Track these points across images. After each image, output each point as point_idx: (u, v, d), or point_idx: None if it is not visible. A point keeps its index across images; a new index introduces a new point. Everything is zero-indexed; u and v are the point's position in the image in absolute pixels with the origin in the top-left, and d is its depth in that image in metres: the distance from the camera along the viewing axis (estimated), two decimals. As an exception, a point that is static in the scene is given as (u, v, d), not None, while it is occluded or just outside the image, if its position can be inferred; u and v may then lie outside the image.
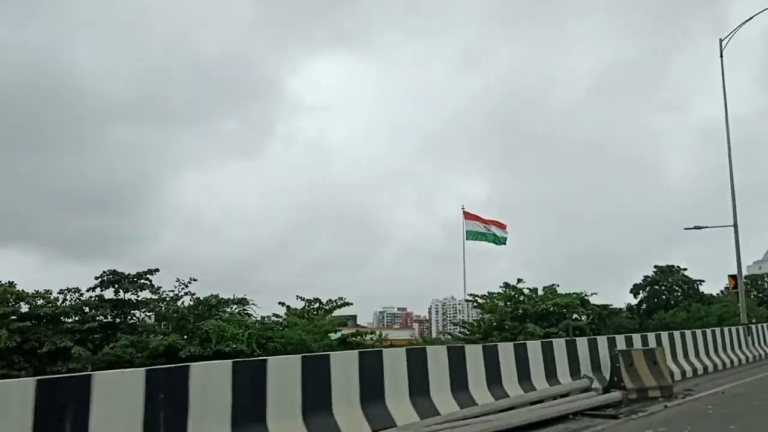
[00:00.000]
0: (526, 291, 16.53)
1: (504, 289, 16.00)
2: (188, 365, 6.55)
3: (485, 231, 28.32)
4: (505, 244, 29.39)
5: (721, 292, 48.16)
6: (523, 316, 15.70)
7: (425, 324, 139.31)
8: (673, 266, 49.20)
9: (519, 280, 16.39)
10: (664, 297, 45.25)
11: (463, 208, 28.27)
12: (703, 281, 48.14)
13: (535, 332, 14.08)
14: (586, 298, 17.08)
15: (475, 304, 15.38)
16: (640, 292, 47.97)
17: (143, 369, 6.18)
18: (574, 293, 16.78)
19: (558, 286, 17.08)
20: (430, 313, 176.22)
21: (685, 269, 49.18)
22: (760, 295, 54.28)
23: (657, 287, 46.92)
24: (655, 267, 49.80)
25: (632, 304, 49.66)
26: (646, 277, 48.77)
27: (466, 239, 27.22)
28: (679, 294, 46.69)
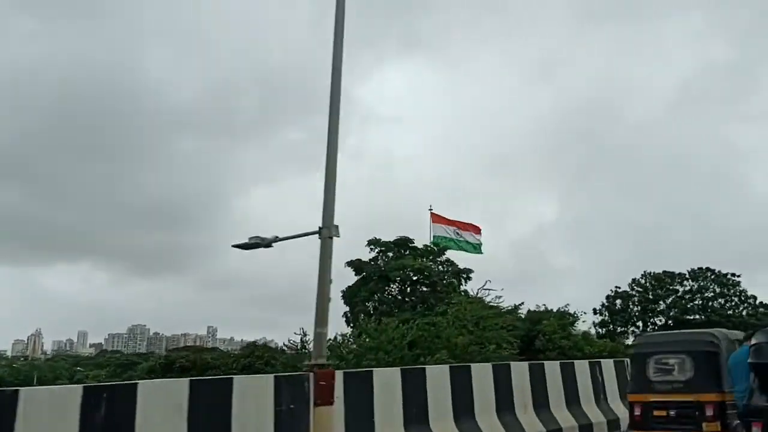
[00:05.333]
0: None
1: None
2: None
3: (454, 237, 23.90)
4: (480, 252, 24.24)
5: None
6: None
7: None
8: (408, 239, 24.60)
9: None
10: (368, 304, 23.45)
11: (430, 209, 24.08)
12: (472, 272, 24.30)
13: None
14: None
15: None
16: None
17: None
18: None
19: None
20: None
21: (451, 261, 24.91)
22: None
23: (362, 289, 23.62)
24: (369, 244, 24.89)
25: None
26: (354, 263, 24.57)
27: (433, 244, 23.88)
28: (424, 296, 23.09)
